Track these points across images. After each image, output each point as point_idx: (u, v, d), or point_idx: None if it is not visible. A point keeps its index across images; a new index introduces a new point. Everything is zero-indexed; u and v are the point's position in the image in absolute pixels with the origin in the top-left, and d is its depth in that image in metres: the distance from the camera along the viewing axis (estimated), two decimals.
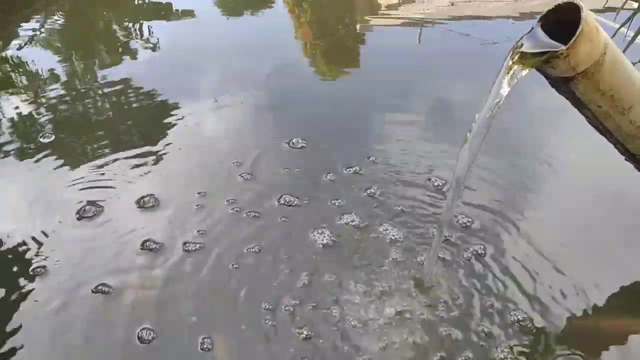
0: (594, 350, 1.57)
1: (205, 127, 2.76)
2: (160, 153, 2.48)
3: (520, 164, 2.43)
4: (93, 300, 1.70)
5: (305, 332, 1.58)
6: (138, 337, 1.57)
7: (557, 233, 2.01)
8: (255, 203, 2.12)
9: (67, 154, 2.50)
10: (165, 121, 2.76)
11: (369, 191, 2.17)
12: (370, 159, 2.39)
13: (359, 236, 1.95)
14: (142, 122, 2.86)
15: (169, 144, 2.55)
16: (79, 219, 2.06)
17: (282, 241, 1.93)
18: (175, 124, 2.73)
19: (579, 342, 1.59)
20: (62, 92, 3.13)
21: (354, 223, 2.00)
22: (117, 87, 3.17)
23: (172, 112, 2.85)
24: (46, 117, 2.83)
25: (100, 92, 3.16)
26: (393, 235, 1.94)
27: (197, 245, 1.90)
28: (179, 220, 2.03)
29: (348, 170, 2.30)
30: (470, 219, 2.04)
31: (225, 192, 2.18)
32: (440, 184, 2.22)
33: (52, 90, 3.14)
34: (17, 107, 2.93)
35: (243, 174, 2.29)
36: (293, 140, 2.52)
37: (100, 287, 1.74)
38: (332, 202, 2.11)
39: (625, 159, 1.71)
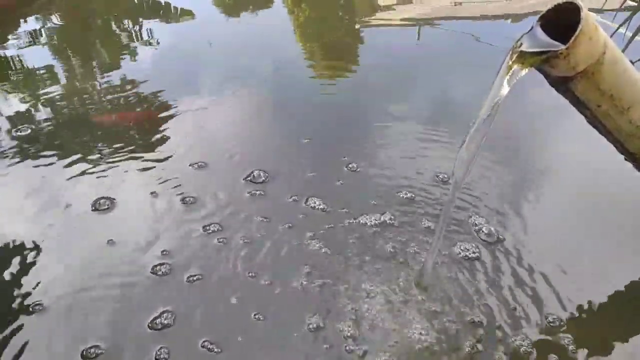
0: (593, 350, 1.58)
1: (203, 124, 2.76)
2: (156, 153, 2.49)
3: (519, 163, 2.43)
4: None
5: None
6: None
7: (556, 232, 2.01)
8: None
9: (65, 151, 2.50)
10: (162, 119, 2.77)
11: None
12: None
13: None
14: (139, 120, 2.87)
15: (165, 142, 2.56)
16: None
17: None
18: (173, 122, 2.74)
19: (576, 341, 1.59)
20: (60, 90, 3.13)
21: None
22: (114, 86, 3.17)
23: (171, 110, 2.85)
24: (44, 116, 2.83)
25: (98, 90, 3.16)
26: None
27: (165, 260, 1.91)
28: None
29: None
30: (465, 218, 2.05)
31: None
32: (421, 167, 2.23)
33: (50, 89, 3.14)
34: (15, 106, 2.93)
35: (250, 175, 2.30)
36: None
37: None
38: None
39: (625, 159, 1.71)
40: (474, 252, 1.89)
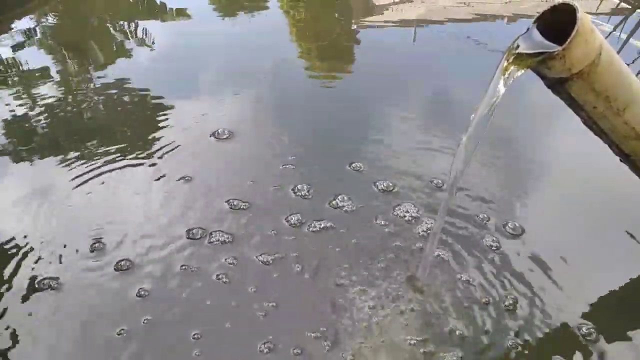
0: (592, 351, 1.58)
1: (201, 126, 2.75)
2: (154, 152, 2.48)
3: (516, 164, 2.44)
4: None
5: None
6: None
7: (554, 232, 2.02)
8: None
9: (60, 153, 2.49)
10: (159, 120, 2.76)
11: None
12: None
13: None
14: (136, 121, 2.85)
15: (162, 143, 2.55)
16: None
17: None
18: (169, 123, 2.73)
19: (575, 343, 1.60)
20: (56, 92, 3.11)
21: None
22: (110, 87, 3.15)
23: (167, 111, 2.84)
24: (40, 118, 2.81)
25: (94, 91, 3.14)
26: None
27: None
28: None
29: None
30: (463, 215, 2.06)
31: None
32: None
33: (45, 90, 3.12)
34: (10, 107, 2.91)
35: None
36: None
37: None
38: None
39: (620, 160, 1.71)
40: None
